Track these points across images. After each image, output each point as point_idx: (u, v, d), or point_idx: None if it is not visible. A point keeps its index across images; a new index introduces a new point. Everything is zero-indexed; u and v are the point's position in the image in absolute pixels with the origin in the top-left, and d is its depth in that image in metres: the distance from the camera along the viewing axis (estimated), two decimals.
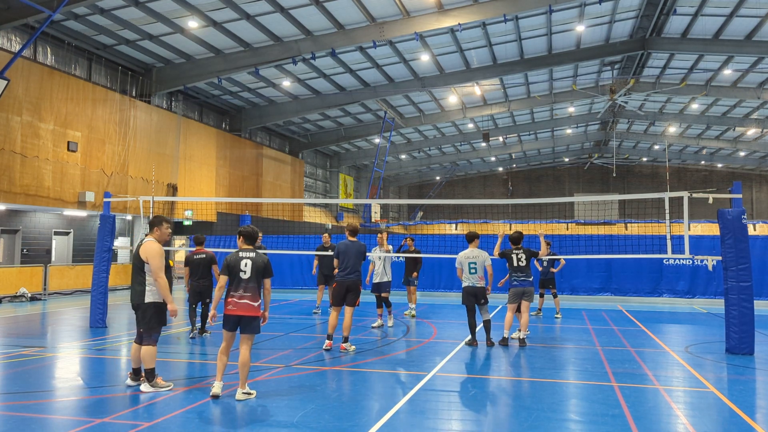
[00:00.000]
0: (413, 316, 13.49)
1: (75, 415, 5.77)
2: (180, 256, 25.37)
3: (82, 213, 20.02)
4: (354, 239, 9.35)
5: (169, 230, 6.88)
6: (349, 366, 7.99)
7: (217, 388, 6.18)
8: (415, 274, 13.69)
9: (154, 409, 5.83)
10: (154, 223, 6.80)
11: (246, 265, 6.27)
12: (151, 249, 6.54)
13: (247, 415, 5.68)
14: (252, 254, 6.36)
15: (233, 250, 6.56)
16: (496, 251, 10.08)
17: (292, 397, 6.29)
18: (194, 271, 10.28)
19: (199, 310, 10.57)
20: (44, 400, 6.20)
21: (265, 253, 6.64)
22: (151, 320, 6.51)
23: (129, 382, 6.70)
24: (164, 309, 6.61)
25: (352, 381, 7.21)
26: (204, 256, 10.31)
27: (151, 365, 6.51)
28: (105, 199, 12.00)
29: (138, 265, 6.55)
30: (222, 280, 6.35)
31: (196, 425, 5.36)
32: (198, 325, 10.42)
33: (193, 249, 10.50)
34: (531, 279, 9.76)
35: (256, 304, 6.25)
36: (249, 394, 6.22)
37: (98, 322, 11.22)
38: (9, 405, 5.94)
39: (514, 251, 9.82)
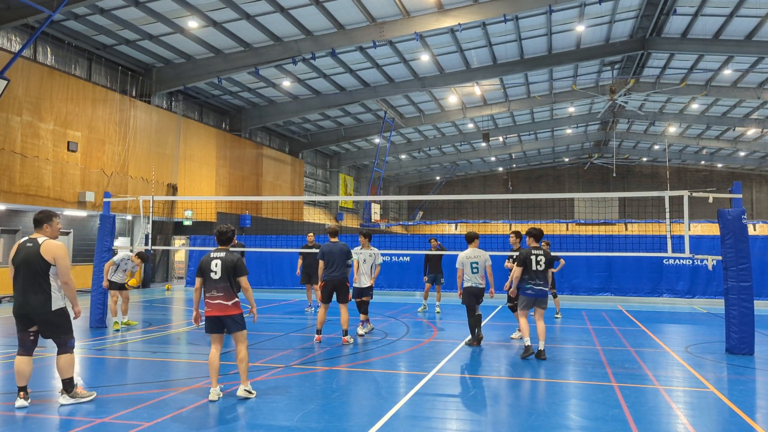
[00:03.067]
0: (438, 312, 14.23)
1: (75, 415, 5.76)
2: (180, 255, 25.38)
3: (82, 213, 20.02)
4: (336, 240, 9.76)
5: (60, 225, 6.23)
6: (349, 366, 7.99)
7: (213, 394, 6.13)
8: (431, 275, 14.39)
9: (154, 409, 5.83)
10: (43, 219, 6.00)
11: (216, 266, 6.25)
12: (59, 249, 5.87)
13: (247, 415, 5.68)
14: (222, 254, 6.32)
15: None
16: (509, 286, 8.94)
17: (292, 397, 6.29)
18: None
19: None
20: (44, 400, 6.20)
21: (242, 251, 6.59)
22: (65, 327, 5.98)
23: (23, 403, 5.83)
24: (68, 312, 6.05)
25: (352, 381, 7.21)
26: None
27: (71, 374, 5.99)
28: (105, 199, 12.00)
29: (42, 269, 5.80)
30: (197, 282, 6.35)
31: (196, 425, 5.36)
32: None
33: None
34: (548, 288, 8.72)
35: (230, 303, 6.22)
36: (250, 392, 6.22)
37: (98, 322, 11.22)
38: (9, 405, 5.94)
39: (533, 252, 8.60)
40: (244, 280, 6.35)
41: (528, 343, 8.53)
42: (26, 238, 6.03)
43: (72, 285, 5.96)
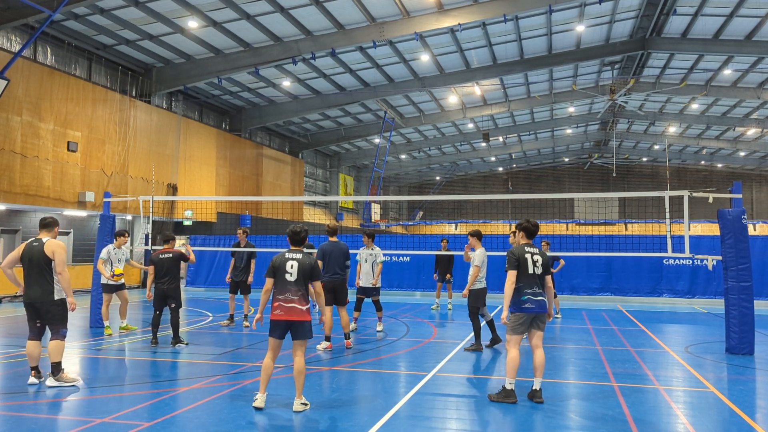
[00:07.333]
0: (449, 309, 14.59)
1: (75, 415, 5.77)
2: None
3: (82, 213, 20.02)
4: (335, 239, 9.48)
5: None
6: (349, 366, 7.99)
7: (260, 401, 5.81)
8: (448, 276, 14.69)
9: (154, 409, 5.83)
10: (53, 223, 6.93)
11: (292, 267, 5.91)
12: (57, 245, 6.74)
13: (248, 415, 5.68)
14: (299, 255, 5.99)
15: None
16: (506, 305, 6.32)
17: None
18: (158, 272, 9.41)
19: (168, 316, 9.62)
20: (44, 400, 6.20)
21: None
22: (61, 317, 6.74)
23: (33, 380, 6.74)
24: (66, 304, 6.80)
25: (352, 381, 7.21)
26: (171, 255, 9.49)
27: (59, 359, 6.68)
28: (105, 199, 12.00)
29: (45, 263, 6.64)
30: (268, 283, 5.95)
31: (196, 425, 5.36)
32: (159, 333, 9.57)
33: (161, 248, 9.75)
34: (545, 298, 6.41)
35: (304, 308, 5.90)
36: (306, 404, 5.88)
37: (98, 322, 11.21)
38: (9, 405, 5.94)
39: (527, 251, 6.39)
40: (318, 285, 6.08)
41: (511, 385, 6.19)
42: (33, 238, 6.89)
43: (66, 276, 6.68)
